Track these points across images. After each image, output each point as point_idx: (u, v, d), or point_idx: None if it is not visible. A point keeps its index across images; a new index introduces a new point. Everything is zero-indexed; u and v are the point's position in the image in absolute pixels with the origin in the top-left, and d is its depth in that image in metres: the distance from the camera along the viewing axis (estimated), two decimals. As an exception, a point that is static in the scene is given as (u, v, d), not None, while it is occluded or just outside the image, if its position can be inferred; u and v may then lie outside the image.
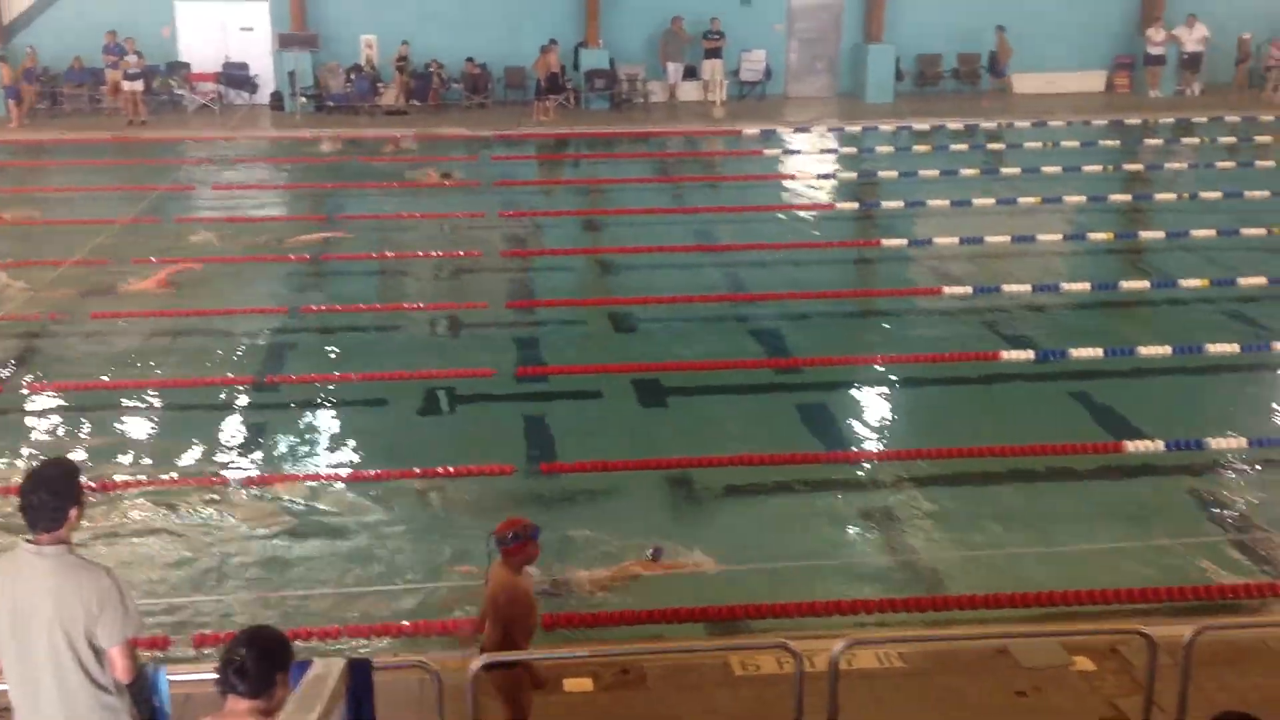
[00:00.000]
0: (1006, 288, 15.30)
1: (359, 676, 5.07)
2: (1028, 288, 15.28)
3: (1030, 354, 13.01)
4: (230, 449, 11.19)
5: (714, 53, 28.50)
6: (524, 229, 18.92)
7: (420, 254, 17.30)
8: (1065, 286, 15.38)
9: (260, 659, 4.21)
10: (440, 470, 10.39)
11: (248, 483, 10.39)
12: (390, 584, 8.80)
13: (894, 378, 12.89)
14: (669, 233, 18.61)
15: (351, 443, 11.37)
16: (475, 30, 28.59)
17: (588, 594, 8.57)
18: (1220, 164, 22.04)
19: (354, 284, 16.19)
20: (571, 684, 7.08)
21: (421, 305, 15.16)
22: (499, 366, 12.90)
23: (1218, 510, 9.88)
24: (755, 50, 29.36)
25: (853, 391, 12.63)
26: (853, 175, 22.62)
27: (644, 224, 19.20)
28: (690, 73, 29.17)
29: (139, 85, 26.57)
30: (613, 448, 10.93)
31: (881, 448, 11.25)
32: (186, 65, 28.51)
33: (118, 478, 10.34)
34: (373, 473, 10.55)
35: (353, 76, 28.45)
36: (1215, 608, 7.99)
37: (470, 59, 28.53)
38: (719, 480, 10.46)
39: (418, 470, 10.43)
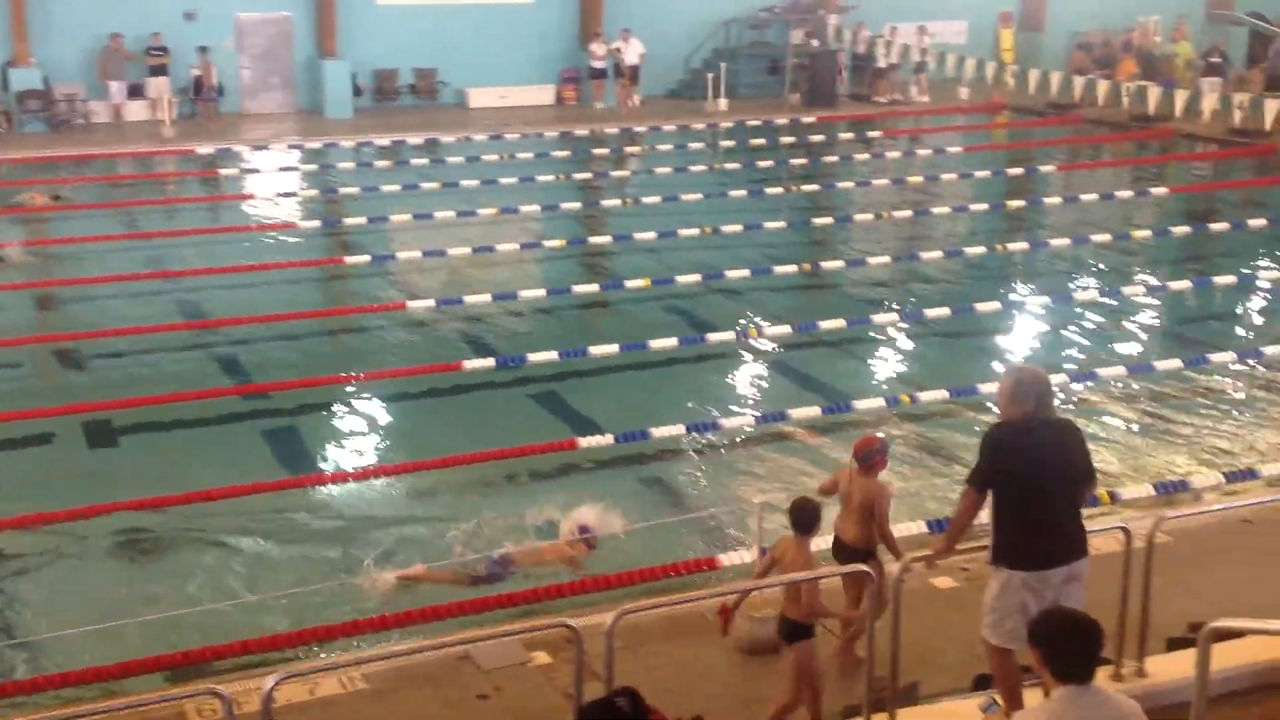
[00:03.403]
0: (468, 298, 15.69)
1: None
2: (488, 297, 15.74)
3: (491, 361, 13.42)
4: None
5: (159, 70, 27.24)
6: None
7: None
8: (523, 293, 15.96)
9: None
10: None
11: None
12: None
13: (363, 395, 12.88)
14: (121, 260, 17.60)
15: None
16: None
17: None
18: (659, 170, 23.71)
19: None
20: (7, 762, 6.52)
21: None
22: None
23: (664, 495, 10.61)
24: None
25: (323, 412, 12.50)
26: (315, 193, 22.42)
27: (92, 253, 18.04)
28: (136, 91, 27.72)
29: None
30: (56, 497, 10.17)
31: (353, 467, 11.21)
32: None
33: None
34: None
35: None
36: (665, 587, 8.63)
37: (-126, 79, 25.61)
38: (176, 521, 9.99)
39: None
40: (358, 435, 12.11)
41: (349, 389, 12.94)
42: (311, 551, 9.64)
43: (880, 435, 7.99)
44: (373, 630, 8.15)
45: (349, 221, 19.88)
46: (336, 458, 11.50)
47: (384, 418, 12.56)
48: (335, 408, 12.59)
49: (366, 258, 17.74)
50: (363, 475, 10.96)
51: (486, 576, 8.98)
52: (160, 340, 14.39)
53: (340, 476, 10.92)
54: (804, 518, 6.85)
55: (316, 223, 20.06)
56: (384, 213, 20.15)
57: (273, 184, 22.86)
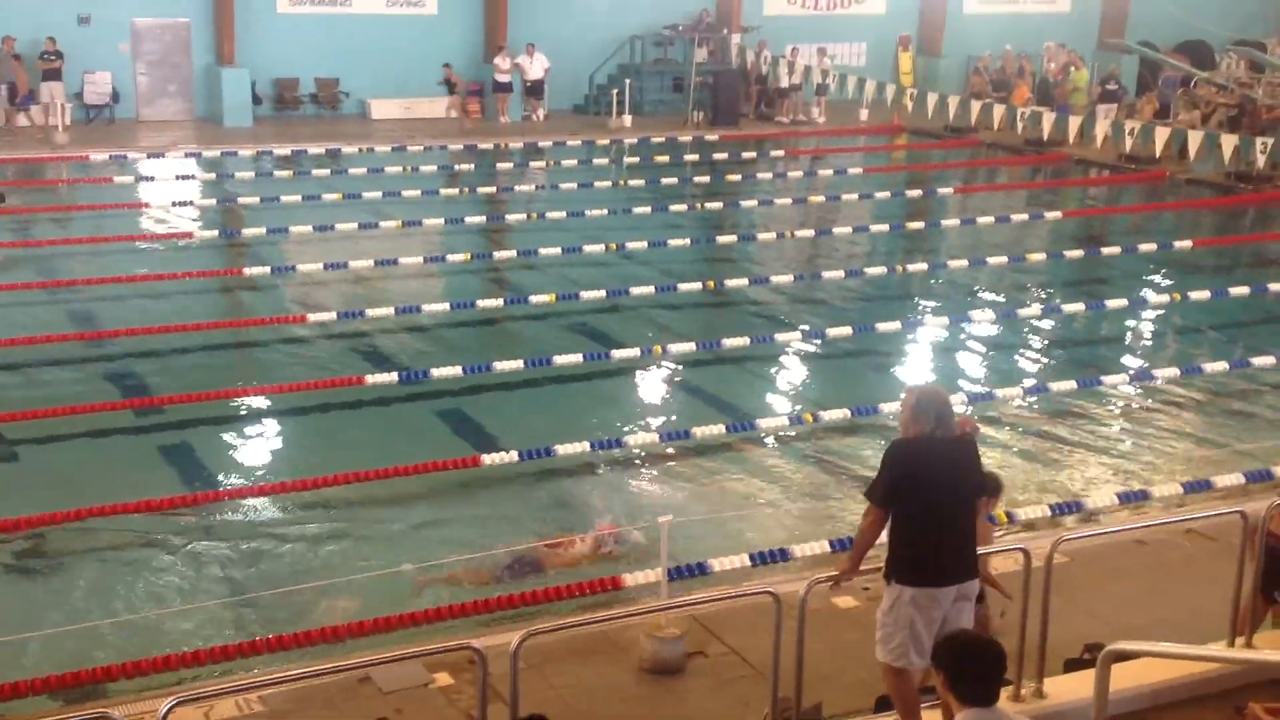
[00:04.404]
0: (371, 311, 15.49)
1: None
2: (391, 310, 15.56)
3: (394, 376, 13.26)
4: None
5: (53, 74, 26.60)
6: None
7: None
8: (427, 307, 15.79)
9: None
10: None
11: None
12: None
13: (263, 409, 12.67)
14: (9, 269, 17.09)
15: None
16: None
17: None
18: (564, 185, 23.67)
19: None
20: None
21: None
22: None
23: (568, 513, 10.55)
24: (99, 72, 27.75)
25: (220, 427, 12.25)
26: (213, 202, 22.03)
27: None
28: (28, 95, 27.02)
29: None
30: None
31: (252, 482, 11.00)
32: None
33: None
34: None
35: None
36: (569, 607, 8.60)
37: None
38: (67, 538, 9.71)
39: None
40: (256, 451, 11.89)
41: (247, 403, 12.72)
42: (207, 569, 9.44)
43: (973, 419, 8.27)
44: (270, 651, 7.98)
45: (248, 232, 19.57)
46: (234, 474, 11.28)
47: (283, 433, 12.35)
48: (233, 423, 12.35)
49: (266, 269, 17.45)
50: (260, 492, 10.76)
51: (512, 576, 9.16)
52: (51, 351, 13.97)
53: (238, 493, 10.71)
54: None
55: (214, 233, 19.73)
56: (284, 224, 19.84)
57: (169, 193, 22.39)
